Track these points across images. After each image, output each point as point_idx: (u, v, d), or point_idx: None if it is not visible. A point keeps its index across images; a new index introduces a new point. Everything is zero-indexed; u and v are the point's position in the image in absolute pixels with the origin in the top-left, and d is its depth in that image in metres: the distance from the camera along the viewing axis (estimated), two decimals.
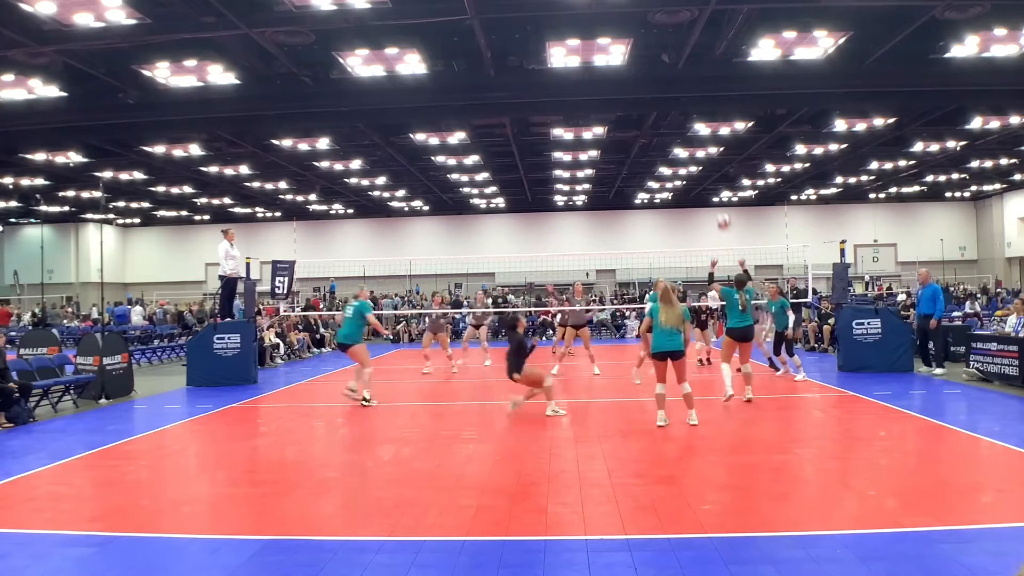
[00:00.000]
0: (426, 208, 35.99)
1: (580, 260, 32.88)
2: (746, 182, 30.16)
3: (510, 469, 6.63)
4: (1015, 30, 12.91)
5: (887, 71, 14.58)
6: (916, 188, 32.67)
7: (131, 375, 12.76)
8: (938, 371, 12.61)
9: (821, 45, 13.35)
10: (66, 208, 32.30)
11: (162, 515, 5.59)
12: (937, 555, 4.32)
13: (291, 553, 4.64)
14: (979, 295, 26.89)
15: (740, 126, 19.71)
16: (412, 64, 13.78)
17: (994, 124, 19.71)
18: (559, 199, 34.27)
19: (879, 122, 19.47)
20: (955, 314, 18.25)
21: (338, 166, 24.47)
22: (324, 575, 4.27)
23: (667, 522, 5.01)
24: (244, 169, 24.33)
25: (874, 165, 26.16)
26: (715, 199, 35.18)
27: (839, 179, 29.29)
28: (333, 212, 36.15)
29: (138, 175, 24.73)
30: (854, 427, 8.40)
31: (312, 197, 31.08)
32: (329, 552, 4.61)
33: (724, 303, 10.51)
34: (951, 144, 22.54)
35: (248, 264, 14.91)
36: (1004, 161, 26.45)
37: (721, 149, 23.13)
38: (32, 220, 35.56)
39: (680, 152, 23.01)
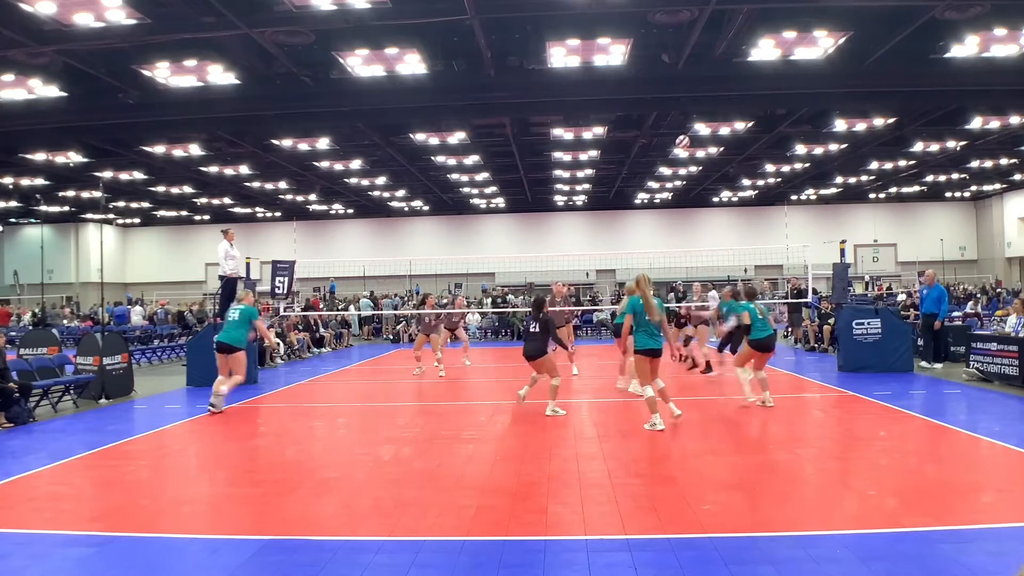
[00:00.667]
0: (426, 208, 35.99)
1: (580, 260, 32.92)
2: (746, 182, 30.17)
3: (510, 469, 6.63)
4: (1015, 30, 12.93)
5: (887, 71, 14.59)
6: (916, 188, 32.67)
7: (131, 375, 12.74)
8: (937, 366, 13.07)
9: (821, 45, 13.36)
10: (66, 208, 32.32)
11: (162, 515, 5.58)
12: (937, 555, 4.31)
13: (291, 553, 4.64)
14: (979, 295, 26.86)
15: (740, 126, 19.73)
16: (412, 64, 13.80)
17: (994, 124, 19.73)
18: (559, 199, 34.26)
19: (879, 122, 19.48)
20: (955, 314, 18.25)
21: (338, 166, 24.48)
22: (324, 575, 4.26)
23: (667, 522, 5.00)
24: (244, 169, 24.33)
25: (874, 165, 26.17)
26: (715, 199, 35.18)
27: (839, 179, 29.29)
28: (333, 212, 36.14)
29: (138, 175, 24.75)
30: (854, 427, 8.39)
31: (312, 197, 31.08)
32: (329, 552, 4.61)
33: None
34: (951, 144, 22.55)
35: (248, 264, 14.90)
36: (1004, 161, 26.47)
37: (721, 149, 23.14)
38: (32, 220, 35.58)
39: (680, 152, 23.01)
